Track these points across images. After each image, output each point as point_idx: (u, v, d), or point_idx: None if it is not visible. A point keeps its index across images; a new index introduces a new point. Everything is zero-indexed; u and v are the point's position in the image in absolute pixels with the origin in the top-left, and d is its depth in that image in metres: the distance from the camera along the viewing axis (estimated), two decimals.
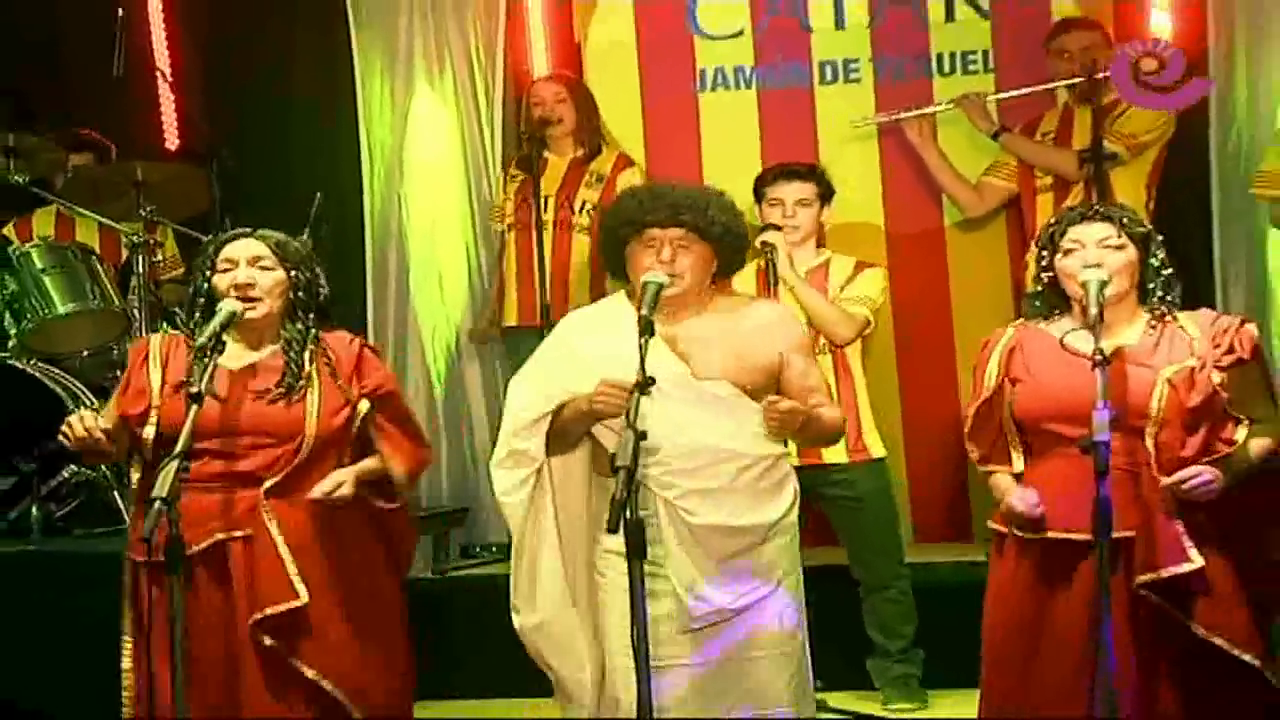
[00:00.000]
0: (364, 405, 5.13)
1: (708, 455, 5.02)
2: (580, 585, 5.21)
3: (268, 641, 4.97)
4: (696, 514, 5.00)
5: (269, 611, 4.94)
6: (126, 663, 5.16)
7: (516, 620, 5.21)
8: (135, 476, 5.22)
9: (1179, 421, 4.81)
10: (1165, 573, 4.76)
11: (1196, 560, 4.76)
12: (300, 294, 5.20)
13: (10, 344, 7.27)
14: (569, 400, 5.03)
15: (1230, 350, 4.88)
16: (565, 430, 5.09)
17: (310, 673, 5.01)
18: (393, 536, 5.29)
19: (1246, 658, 4.80)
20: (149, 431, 5.03)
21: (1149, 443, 4.81)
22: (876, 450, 6.70)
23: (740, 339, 5.16)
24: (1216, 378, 4.84)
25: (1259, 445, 4.88)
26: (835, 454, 6.43)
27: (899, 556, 6.76)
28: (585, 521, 5.21)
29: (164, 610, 4.87)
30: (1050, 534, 4.91)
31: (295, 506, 5.03)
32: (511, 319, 7.81)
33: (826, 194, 6.75)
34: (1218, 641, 4.79)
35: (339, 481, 5.00)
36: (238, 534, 5.01)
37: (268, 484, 5.02)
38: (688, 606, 5.00)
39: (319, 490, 4.98)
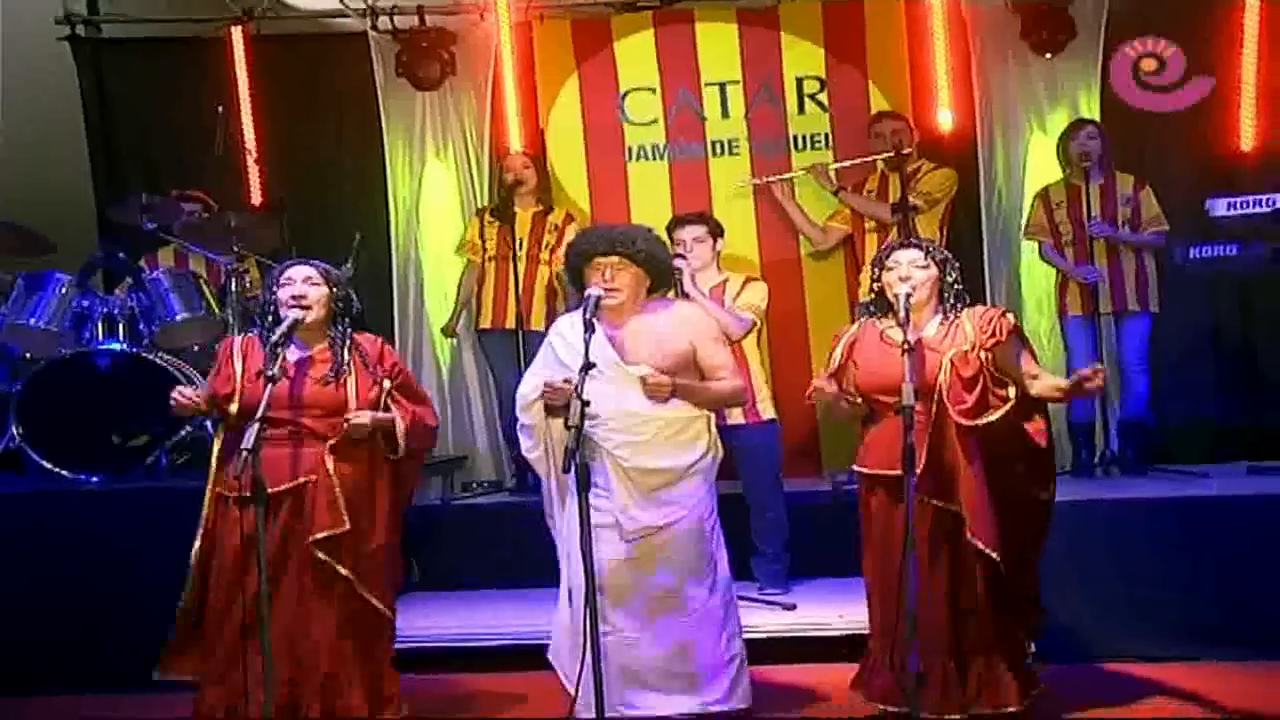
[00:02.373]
0: (386, 383, 5.13)
1: (633, 418, 5.05)
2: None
3: (321, 556, 4.99)
4: (627, 459, 5.05)
5: (325, 534, 4.99)
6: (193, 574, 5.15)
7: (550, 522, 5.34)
8: (219, 435, 5.20)
9: (959, 386, 4.89)
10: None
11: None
12: (339, 305, 5.21)
13: (144, 342, 7.11)
14: None
15: (992, 335, 4.97)
16: (545, 407, 5.10)
17: (343, 570, 5.01)
18: (402, 479, 5.25)
19: (991, 554, 4.87)
20: (234, 407, 5.03)
21: (940, 400, 4.89)
22: (767, 414, 6.65)
23: (661, 333, 5.19)
24: (984, 356, 4.91)
25: (1041, 385, 5.01)
26: (736, 417, 6.35)
27: (778, 487, 6.69)
28: None
29: (238, 535, 4.96)
30: (885, 472, 4.99)
31: (345, 459, 5.05)
32: (485, 324, 7.67)
33: (716, 231, 6.68)
34: (977, 544, 4.88)
35: (360, 417, 5.01)
36: (311, 478, 5.03)
37: (331, 442, 5.03)
38: (622, 523, 5.05)
39: (353, 419, 5.00)
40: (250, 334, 5.32)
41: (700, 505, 5.16)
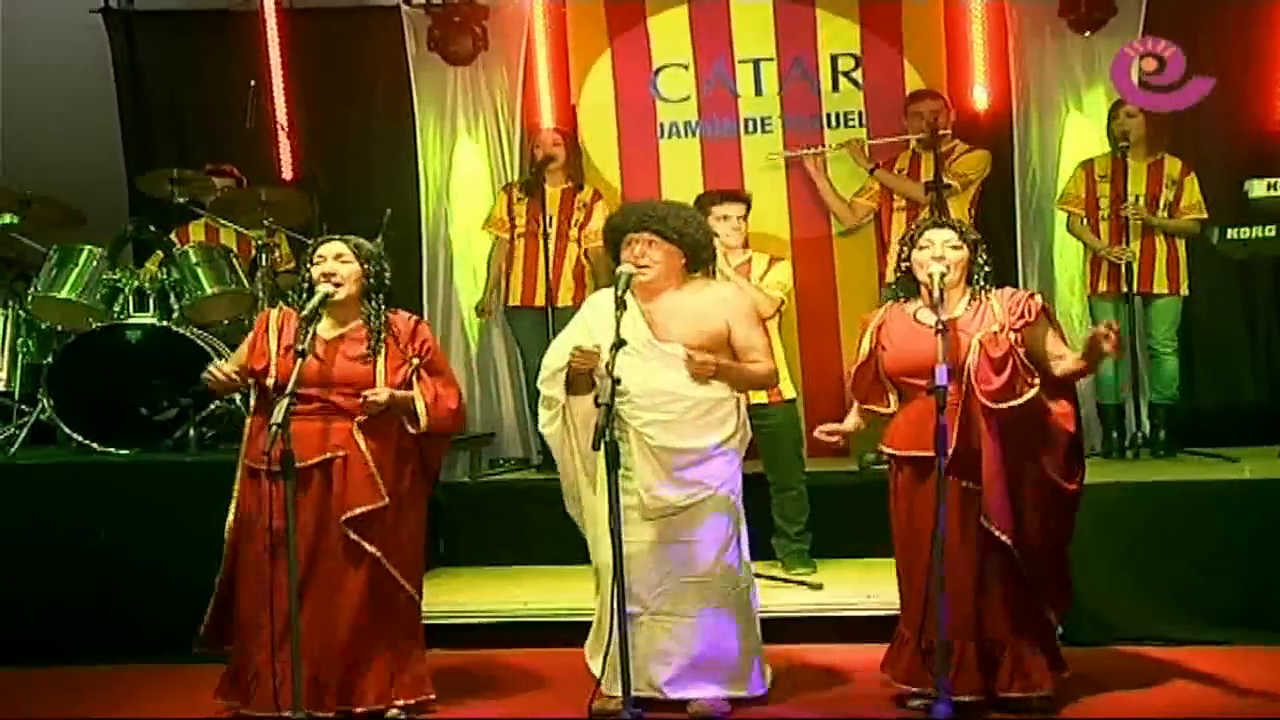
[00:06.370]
0: (415, 361, 5.18)
1: (663, 396, 5.04)
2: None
3: (351, 534, 5.06)
4: (654, 437, 5.04)
5: (359, 510, 5.06)
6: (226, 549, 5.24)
7: (569, 509, 5.34)
8: (252, 409, 5.28)
9: (987, 367, 4.88)
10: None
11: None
12: (371, 281, 5.26)
13: (174, 316, 7.19)
14: None
15: (1021, 316, 5.00)
16: (571, 380, 5.11)
17: (370, 548, 5.08)
18: (427, 457, 5.30)
19: (1004, 538, 4.91)
20: (269, 381, 5.08)
21: (968, 381, 4.90)
22: (788, 393, 6.62)
23: (697, 311, 5.17)
24: (1013, 337, 4.93)
25: (1065, 365, 5.01)
26: (758, 397, 6.36)
27: (801, 467, 6.71)
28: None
29: (268, 509, 4.99)
30: (915, 453, 5.00)
31: (374, 435, 5.12)
32: (515, 300, 7.74)
33: (748, 210, 6.71)
34: (990, 527, 4.92)
35: (378, 394, 5.06)
36: (341, 454, 5.09)
37: (359, 419, 5.10)
38: (645, 501, 5.05)
39: (370, 395, 5.05)
40: (286, 308, 5.41)
41: (725, 485, 5.14)
